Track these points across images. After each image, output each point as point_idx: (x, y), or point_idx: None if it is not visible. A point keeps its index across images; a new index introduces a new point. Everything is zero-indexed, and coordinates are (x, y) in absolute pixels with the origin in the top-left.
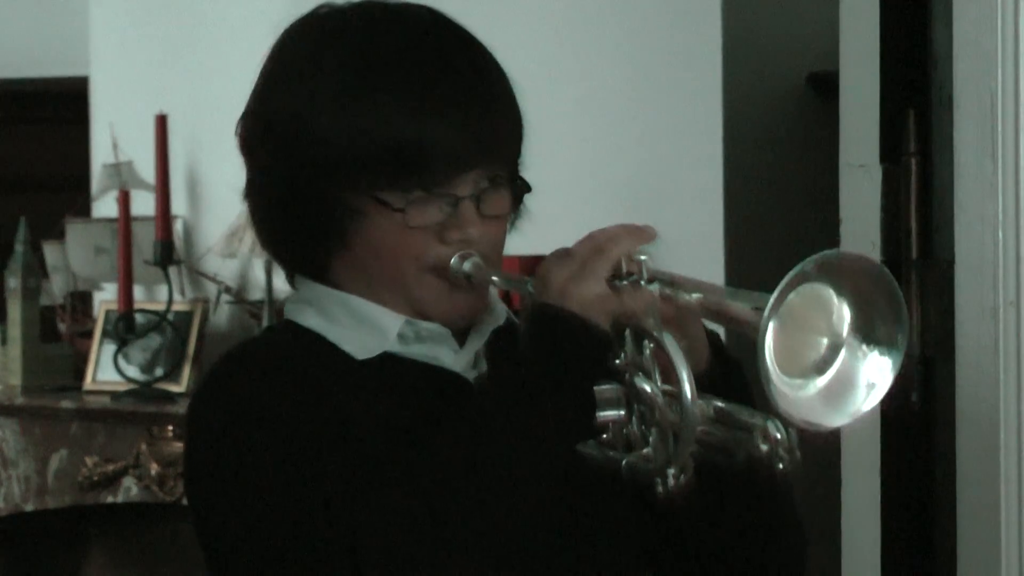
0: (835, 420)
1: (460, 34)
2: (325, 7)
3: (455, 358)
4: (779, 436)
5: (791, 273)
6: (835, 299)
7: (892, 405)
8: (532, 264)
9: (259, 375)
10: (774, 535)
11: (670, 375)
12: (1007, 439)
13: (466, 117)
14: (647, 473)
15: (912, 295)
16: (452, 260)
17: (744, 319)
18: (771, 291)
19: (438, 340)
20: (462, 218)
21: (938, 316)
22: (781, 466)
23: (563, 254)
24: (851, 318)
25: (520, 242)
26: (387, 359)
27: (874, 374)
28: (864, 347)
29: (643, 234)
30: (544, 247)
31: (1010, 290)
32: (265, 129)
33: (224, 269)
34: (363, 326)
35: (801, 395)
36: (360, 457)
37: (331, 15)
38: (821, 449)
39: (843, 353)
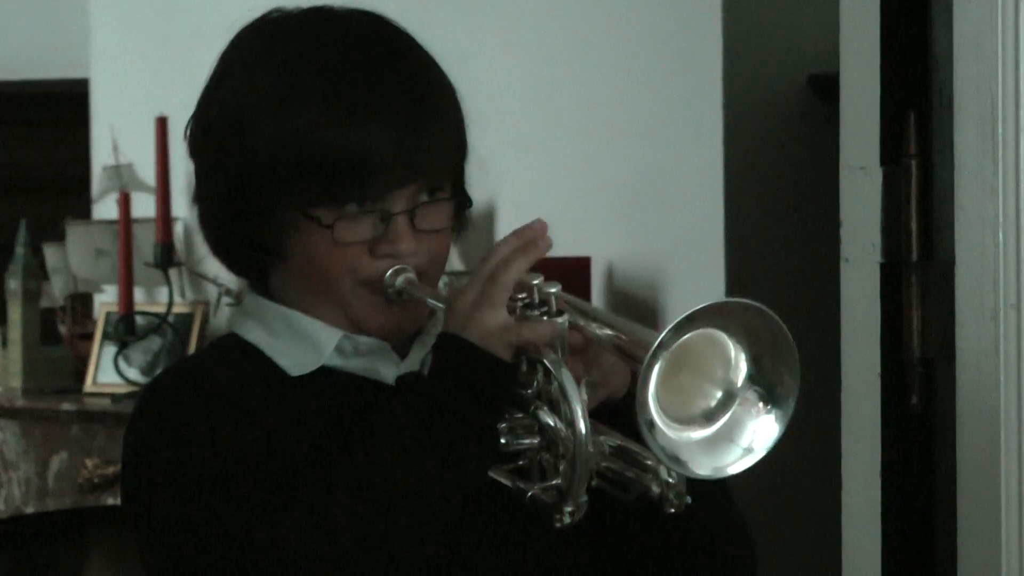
0: (701, 470)
1: (401, 45)
2: (275, 11)
3: (395, 372)
4: (671, 481)
5: (679, 318)
6: (732, 350)
7: (892, 407)
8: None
9: (190, 393)
10: (711, 544)
11: (563, 405)
12: (1007, 441)
13: (400, 131)
14: (546, 507)
15: (913, 297)
16: (386, 275)
17: (639, 360)
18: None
19: (377, 354)
20: (394, 233)
21: (938, 318)
22: (672, 510)
23: (468, 280)
24: (747, 371)
25: None
26: (325, 373)
27: (758, 437)
28: (760, 405)
29: (535, 250)
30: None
31: (1011, 292)
32: (205, 133)
33: (224, 271)
34: (301, 341)
35: (680, 438)
36: (280, 471)
37: (276, 20)
38: (821, 452)
39: (735, 407)
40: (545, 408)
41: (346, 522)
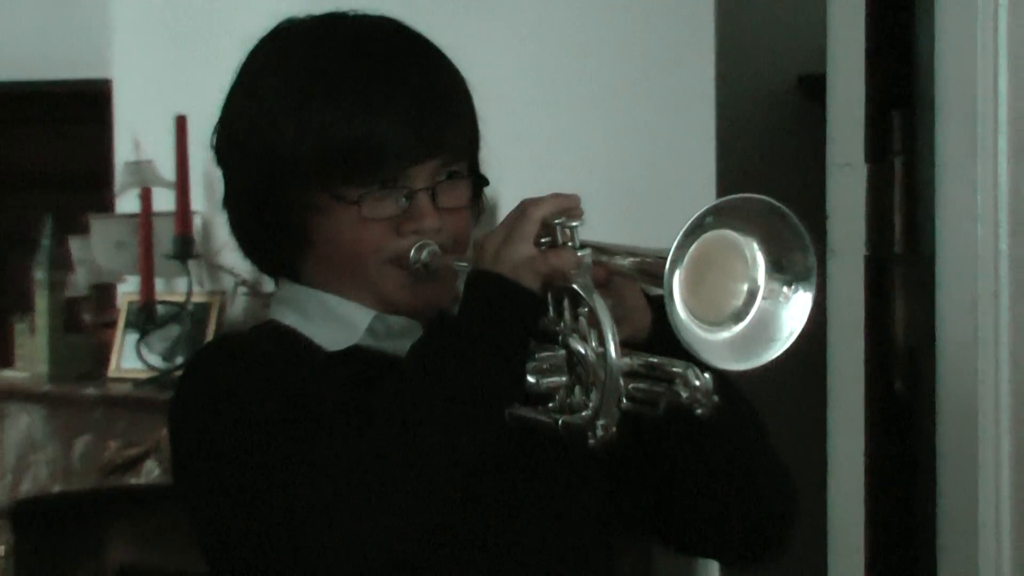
0: (748, 364)
1: (411, 36)
2: (287, 21)
3: None
4: (697, 383)
5: (687, 223)
6: (744, 244)
7: (877, 392)
8: None
9: (230, 364)
10: (749, 481)
11: (593, 330)
12: (985, 425)
13: (415, 111)
14: (579, 428)
15: (896, 288)
16: (411, 252)
17: (653, 269)
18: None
19: (408, 334)
20: (417, 210)
21: (921, 308)
22: (700, 411)
23: (505, 224)
24: (764, 260)
25: None
26: (357, 352)
27: (793, 318)
28: (784, 288)
29: (568, 200)
30: None
31: (989, 284)
32: (230, 138)
33: (240, 262)
34: (335, 321)
35: (718, 339)
36: (316, 436)
37: (290, 27)
38: (806, 434)
39: (760, 297)
40: (575, 335)
41: (380, 460)
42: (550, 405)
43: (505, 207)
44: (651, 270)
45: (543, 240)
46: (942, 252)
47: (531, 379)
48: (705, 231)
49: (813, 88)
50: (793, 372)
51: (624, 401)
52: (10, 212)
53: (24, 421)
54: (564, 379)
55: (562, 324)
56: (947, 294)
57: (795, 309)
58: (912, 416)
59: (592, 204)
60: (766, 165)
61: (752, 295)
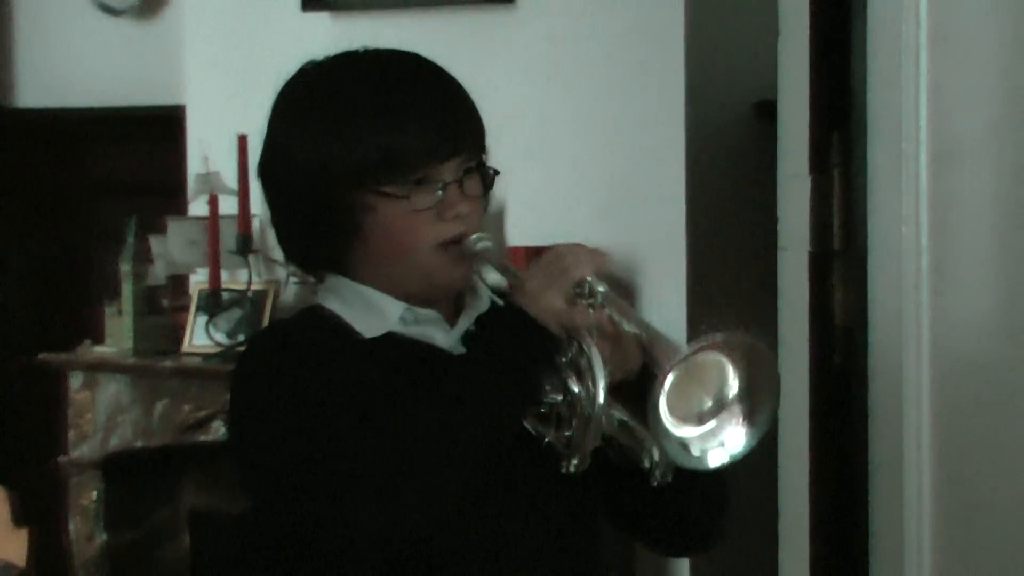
0: (687, 462)
1: (423, 60)
2: (309, 63)
3: (445, 337)
4: (657, 459)
5: (702, 341)
6: (729, 369)
7: (820, 364)
8: (533, 253)
9: (282, 348)
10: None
11: (589, 378)
12: (907, 391)
13: (439, 120)
14: (558, 454)
15: (835, 279)
16: (471, 238)
17: (659, 363)
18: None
19: (432, 323)
20: (452, 197)
21: (855, 295)
22: (655, 483)
23: (540, 265)
24: (737, 387)
25: (522, 235)
26: (390, 337)
27: (732, 443)
28: (740, 417)
29: (603, 262)
30: (545, 239)
31: (911, 275)
32: (281, 160)
33: None
34: (371, 310)
35: (677, 431)
36: (355, 410)
37: (318, 66)
38: None
39: (721, 415)
40: (573, 377)
41: (414, 446)
42: (543, 411)
43: (513, 207)
44: (651, 352)
45: (576, 288)
46: (873, 248)
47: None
48: (706, 351)
49: (767, 112)
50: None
51: (598, 442)
52: (102, 215)
53: (112, 388)
54: (559, 398)
55: (567, 360)
56: (877, 283)
57: (738, 438)
58: (848, 383)
59: (588, 204)
60: (726, 176)
61: (717, 409)
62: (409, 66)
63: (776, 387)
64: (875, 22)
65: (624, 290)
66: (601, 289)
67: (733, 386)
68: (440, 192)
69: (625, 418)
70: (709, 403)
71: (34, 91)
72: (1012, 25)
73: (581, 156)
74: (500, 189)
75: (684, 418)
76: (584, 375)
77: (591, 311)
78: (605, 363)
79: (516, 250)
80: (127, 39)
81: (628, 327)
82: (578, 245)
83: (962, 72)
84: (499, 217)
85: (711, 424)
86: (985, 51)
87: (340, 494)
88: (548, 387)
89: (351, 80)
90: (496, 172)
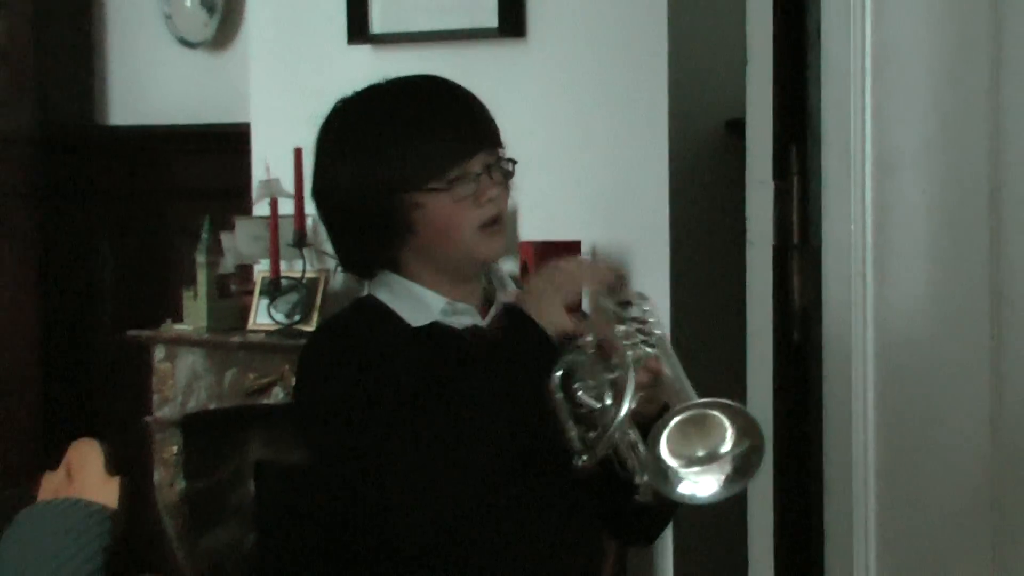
0: (671, 493)
1: (444, 81)
2: (340, 101)
3: (479, 325)
4: (647, 481)
5: (718, 400)
6: (728, 427)
7: (781, 342)
8: (540, 249)
9: (336, 341)
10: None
11: (619, 399)
12: (856, 363)
13: (466, 122)
14: (573, 450)
15: (794, 268)
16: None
17: (673, 399)
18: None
19: (468, 314)
20: (484, 185)
21: (811, 282)
22: (638, 497)
23: (548, 277)
24: (730, 448)
25: (532, 231)
26: (434, 325)
27: (707, 489)
28: (728, 468)
29: (607, 276)
30: (550, 235)
31: (858, 266)
32: (339, 183)
33: None
34: (417, 303)
35: (668, 463)
36: (402, 392)
37: (351, 99)
38: (732, 372)
39: (709, 465)
40: (610, 393)
41: (443, 436)
42: (581, 410)
43: (524, 208)
44: (670, 394)
45: (637, 320)
46: (826, 243)
47: (579, 392)
48: (712, 408)
49: (737, 128)
50: (724, 323)
51: (608, 452)
52: (181, 215)
53: (190, 360)
54: (595, 405)
55: (608, 382)
56: (829, 273)
57: (710, 489)
58: (805, 357)
59: (586, 205)
60: (704, 183)
61: (706, 459)
62: (428, 86)
63: (756, 467)
64: (827, 53)
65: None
66: (658, 332)
67: (725, 447)
68: (474, 182)
69: (636, 441)
70: (701, 452)
71: (124, 112)
72: (941, 57)
73: (581, 164)
74: (513, 193)
75: (676, 453)
76: (618, 395)
77: (644, 348)
78: (637, 391)
79: (526, 244)
80: (202, 68)
81: (667, 370)
82: (581, 260)
83: (900, 95)
84: (512, 216)
85: (695, 469)
86: (919, 79)
87: (389, 470)
88: (589, 393)
89: (382, 106)
90: (514, 162)
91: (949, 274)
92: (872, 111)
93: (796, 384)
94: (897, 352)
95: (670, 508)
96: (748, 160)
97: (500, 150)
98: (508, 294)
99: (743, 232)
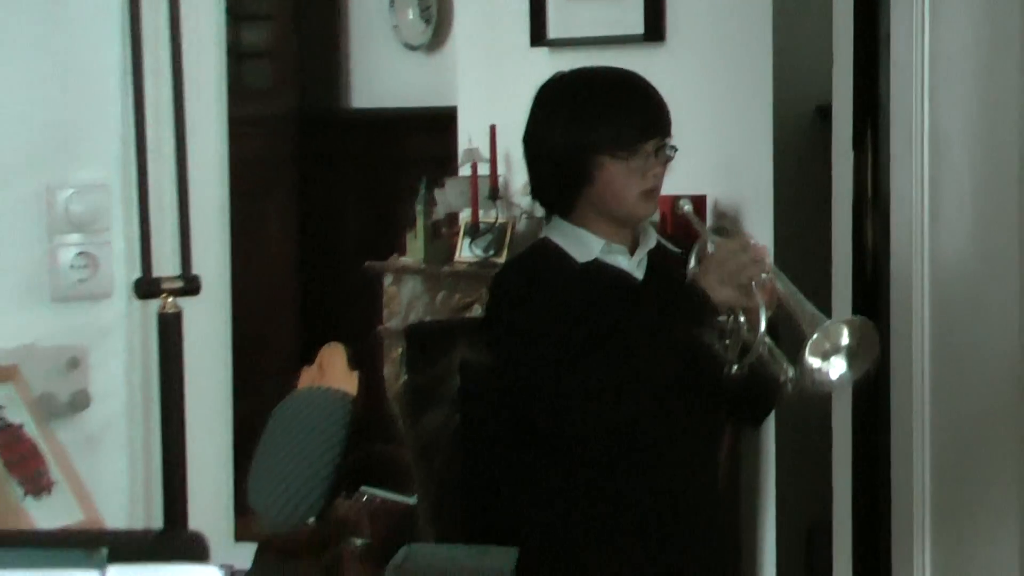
0: (813, 384)
1: (636, 74)
2: (558, 73)
3: (629, 263)
4: (791, 375)
5: (846, 318)
6: (846, 335)
7: (859, 275)
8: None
9: (521, 272)
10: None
11: (755, 325)
12: (916, 293)
13: (650, 110)
14: (725, 361)
15: (868, 219)
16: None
17: (803, 323)
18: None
19: (621, 254)
20: (653, 162)
21: (881, 230)
22: (789, 388)
23: (725, 254)
24: (847, 344)
25: (668, 188)
26: (594, 262)
27: (836, 372)
28: (842, 358)
29: (766, 262)
30: (683, 191)
31: (918, 217)
32: (545, 137)
33: (523, 201)
34: (582, 244)
35: (810, 360)
36: (569, 325)
37: (564, 75)
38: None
39: (834, 356)
40: (745, 321)
41: (611, 379)
42: (727, 341)
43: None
44: (795, 315)
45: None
46: (893, 200)
47: (721, 320)
48: (840, 322)
49: (825, 112)
50: (815, 263)
51: (753, 359)
52: (405, 176)
53: (411, 284)
54: (741, 332)
55: (740, 318)
56: (895, 221)
57: (840, 370)
58: (877, 286)
59: (706, 171)
60: (799, 154)
61: (835, 351)
62: (628, 77)
63: (875, 352)
64: (895, 53)
65: (733, 221)
66: (764, 275)
67: (845, 339)
68: (643, 159)
69: (773, 346)
70: (827, 346)
71: (363, 98)
72: (981, 57)
73: (706, 139)
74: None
75: (812, 352)
76: (755, 324)
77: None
78: (767, 309)
79: (664, 197)
80: (420, 65)
81: (781, 287)
82: (754, 245)
83: (950, 87)
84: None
85: (831, 360)
86: (966, 74)
87: (558, 390)
88: (730, 316)
89: (591, 84)
90: (675, 148)
91: (986, 226)
92: (928, 99)
93: (868, 308)
94: (947, 285)
95: (772, 398)
96: (834, 136)
97: (669, 138)
98: (651, 241)
99: (830, 191)
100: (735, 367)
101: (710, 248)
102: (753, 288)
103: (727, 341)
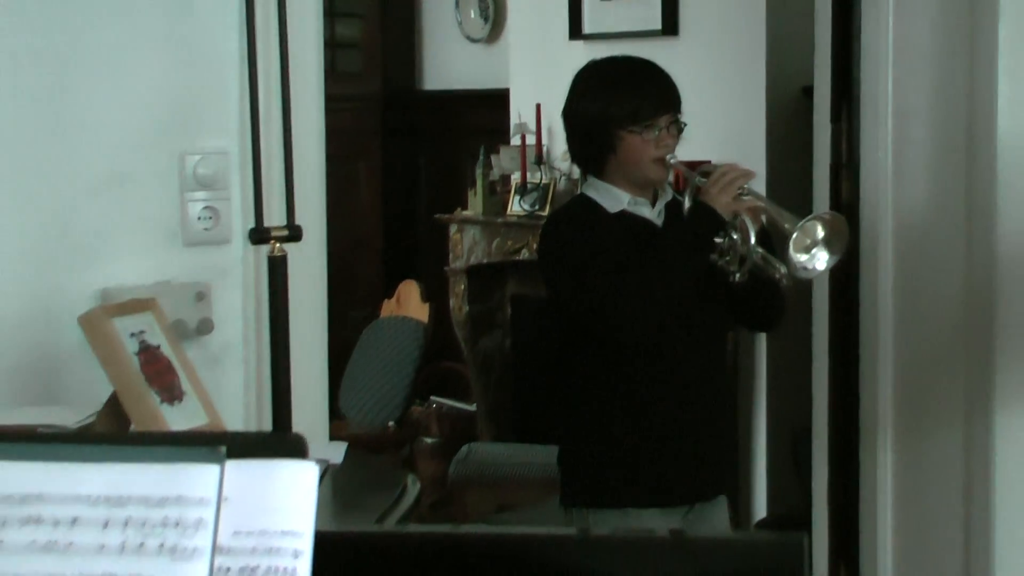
0: (801, 274)
1: (650, 61)
2: (592, 61)
3: (651, 212)
4: (784, 272)
5: (818, 214)
6: (820, 230)
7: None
8: (685, 166)
9: (566, 219)
10: (777, 299)
11: (746, 238)
12: (882, 241)
13: (663, 90)
14: (729, 270)
15: (843, 179)
16: (667, 158)
17: (783, 226)
18: (802, 215)
19: (644, 205)
20: (663, 136)
21: (854, 188)
22: (785, 282)
23: (720, 173)
24: (822, 236)
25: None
26: (623, 213)
27: (819, 262)
28: (820, 252)
29: (750, 175)
30: (690, 157)
31: (884, 178)
32: (580, 110)
33: (562, 165)
34: (612, 197)
35: (794, 255)
36: (607, 257)
37: (598, 62)
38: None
39: (814, 249)
40: (738, 237)
41: (647, 278)
42: (727, 257)
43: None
44: (776, 221)
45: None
46: (863, 163)
47: (719, 240)
48: (813, 219)
49: (808, 92)
50: (798, 214)
51: (750, 265)
52: (467, 145)
53: (472, 233)
54: (732, 247)
55: (729, 235)
56: (866, 183)
57: (823, 258)
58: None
59: (716, 139)
60: (788, 126)
61: (813, 245)
62: (644, 64)
63: (846, 236)
64: (865, 42)
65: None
66: (746, 184)
67: (821, 234)
68: (657, 132)
69: (764, 252)
70: (808, 242)
71: (434, 81)
72: (938, 46)
73: (712, 114)
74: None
75: (796, 249)
76: (745, 234)
77: (746, 199)
78: (753, 223)
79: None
80: (480, 54)
81: (760, 202)
82: (733, 165)
83: (911, 71)
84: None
85: (812, 252)
86: (924, 60)
87: (606, 302)
88: (725, 236)
89: (615, 70)
90: (685, 123)
91: (941, 185)
92: (893, 81)
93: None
94: (907, 231)
95: (777, 300)
96: (815, 111)
97: (679, 114)
98: (668, 196)
99: (812, 157)
100: (737, 275)
101: (699, 183)
102: (743, 199)
103: (727, 257)
